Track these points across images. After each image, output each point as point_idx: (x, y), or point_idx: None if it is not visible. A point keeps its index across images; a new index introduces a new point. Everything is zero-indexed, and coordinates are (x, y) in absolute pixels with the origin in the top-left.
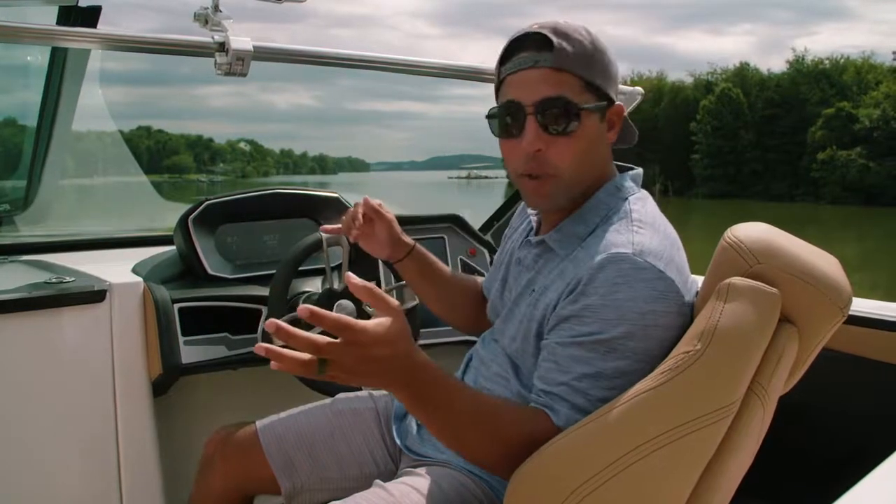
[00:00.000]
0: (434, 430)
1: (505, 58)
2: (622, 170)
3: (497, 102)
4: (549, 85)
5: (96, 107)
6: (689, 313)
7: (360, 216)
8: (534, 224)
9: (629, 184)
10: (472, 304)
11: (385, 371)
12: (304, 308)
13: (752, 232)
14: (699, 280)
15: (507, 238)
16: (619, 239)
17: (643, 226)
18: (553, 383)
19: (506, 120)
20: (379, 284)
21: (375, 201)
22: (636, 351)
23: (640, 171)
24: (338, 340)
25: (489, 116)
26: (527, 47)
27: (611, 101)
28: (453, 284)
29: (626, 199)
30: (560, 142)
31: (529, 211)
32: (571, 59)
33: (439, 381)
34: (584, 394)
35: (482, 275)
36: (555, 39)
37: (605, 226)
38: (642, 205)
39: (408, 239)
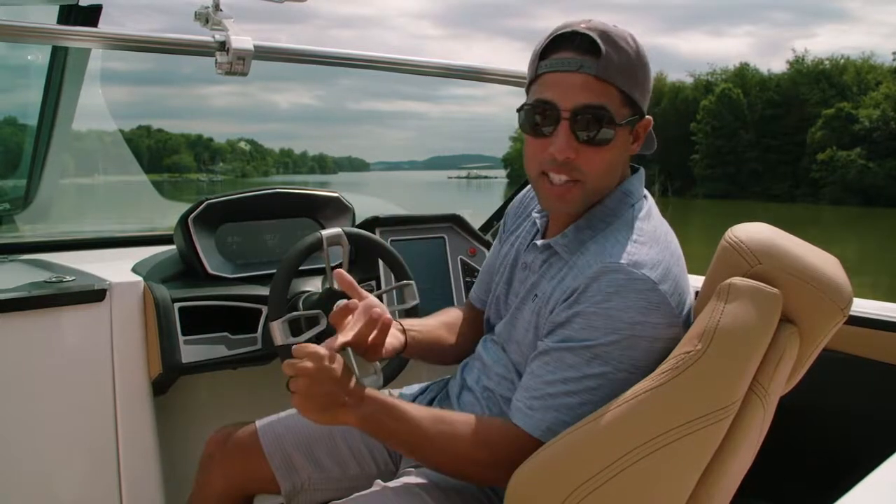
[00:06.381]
0: (395, 447)
1: (546, 52)
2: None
3: (529, 95)
4: (590, 93)
5: (97, 106)
6: (681, 325)
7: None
8: (539, 226)
9: (636, 188)
10: (459, 336)
11: (332, 400)
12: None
13: (752, 232)
14: (699, 280)
15: (505, 240)
16: (616, 249)
17: (643, 235)
18: (540, 383)
19: (537, 118)
20: (378, 284)
21: (376, 310)
22: (620, 359)
23: (642, 171)
24: (308, 365)
25: (520, 110)
26: (572, 48)
27: (642, 115)
28: (443, 336)
29: (633, 205)
30: (590, 151)
31: (535, 213)
32: (616, 71)
33: (389, 409)
34: (563, 400)
35: None
36: (603, 47)
37: (606, 232)
38: (646, 214)
39: (400, 325)
